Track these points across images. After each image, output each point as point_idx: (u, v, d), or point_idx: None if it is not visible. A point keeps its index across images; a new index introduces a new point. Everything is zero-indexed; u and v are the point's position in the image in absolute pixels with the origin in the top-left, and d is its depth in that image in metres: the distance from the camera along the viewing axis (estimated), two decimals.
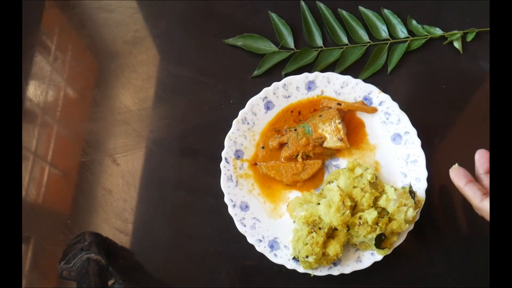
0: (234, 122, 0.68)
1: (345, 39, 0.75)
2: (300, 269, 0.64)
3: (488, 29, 0.75)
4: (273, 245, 0.66)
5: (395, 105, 0.69)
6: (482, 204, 0.53)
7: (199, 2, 0.79)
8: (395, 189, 0.63)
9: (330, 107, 0.69)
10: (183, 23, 0.78)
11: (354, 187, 0.64)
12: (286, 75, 0.73)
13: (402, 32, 0.75)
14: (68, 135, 0.75)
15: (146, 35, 0.78)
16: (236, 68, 0.75)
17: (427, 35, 0.75)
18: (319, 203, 0.63)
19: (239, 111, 0.69)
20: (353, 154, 0.70)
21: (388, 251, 0.64)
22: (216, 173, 0.68)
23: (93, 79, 0.77)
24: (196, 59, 0.76)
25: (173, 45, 0.77)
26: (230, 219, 0.67)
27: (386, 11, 0.76)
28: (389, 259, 0.65)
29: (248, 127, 0.69)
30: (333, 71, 0.72)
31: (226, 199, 0.67)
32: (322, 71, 0.72)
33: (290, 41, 0.75)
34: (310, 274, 0.65)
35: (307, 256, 0.61)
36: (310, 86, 0.70)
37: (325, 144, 0.68)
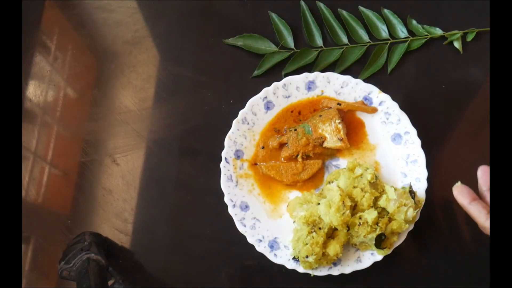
0: (234, 122, 0.68)
1: (345, 39, 0.75)
2: (300, 269, 0.64)
3: (488, 29, 0.75)
4: (273, 245, 0.66)
5: (395, 105, 0.69)
6: (487, 223, 0.53)
7: (199, 2, 0.79)
8: (395, 189, 0.63)
9: (330, 107, 0.69)
10: (183, 23, 0.78)
11: (354, 187, 0.64)
12: (286, 75, 0.73)
13: (402, 32, 0.75)
14: (68, 135, 0.75)
15: (146, 35, 0.78)
16: (236, 68, 0.75)
17: (427, 35, 0.75)
18: (319, 203, 0.63)
19: (239, 111, 0.69)
20: (353, 154, 0.70)
21: (388, 251, 0.64)
22: (216, 173, 0.68)
23: (93, 79, 0.77)
24: (196, 59, 0.76)
25: (173, 45, 0.77)
26: (230, 219, 0.67)
27: (386, 11, 0.76)
28: (389, 259, 0.65)
29: (248, 127, 0.69)
30: (333, 71, 0.72)
31: (226, 199, 0.67)
32: (322, 71, 0.72)
33: (290, 41, 0.75)
34: (310, 274, 0.65)
35: (307, 256, 0.61)
36: (310, 86, 0.70)
37: (325, 144, 0.68)
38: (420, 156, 0.67)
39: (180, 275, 0.70)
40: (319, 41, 0.75)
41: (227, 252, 0.70)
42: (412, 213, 0.62)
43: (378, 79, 0.73)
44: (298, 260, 0.64)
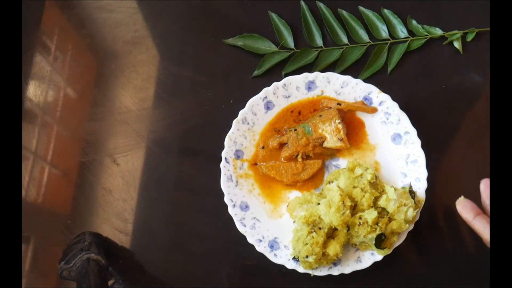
0: (234, 122, 0.68)
1: (345, 39, 0.75)
2: (300, 269, 0.64)
3: (488, 29, 0.75)
4: (273, 245, 0.66)
5: (395, 105, 0.69)
6: None
7: (199, 2, 0.79)
8: (395, 189, 0.63)
9: (330, 107, 0.69)
10: (183, 23, 0.78)
11: (354, 187, 0.64)
12: (286, 75, 0.73)
13: (402, 32, 0.75)
14: (68, 135, 0.75)
15: (146, 35, 0.78)
16: (236, 68, 0.75)
17: (427, 35, 0.75)
18: (319, 203, 0.63)
19: (239, 111, 0.69)
20: (353, 154, 0.70)
21: (388, 251, 0.64)
22: (216, 173, 0.68)
23: (93, 79, 0.77)
24: (196, 59, 0.76)
25: (173, 45, 0.77)
26: (230, 219, 0.67)
27: (386, 11, 0.76)
28: (389, 259, 0.65)
29: (248, 127, 0.69)
30: (333, 71, 0.72)
31: (226, 199, 0.67)
32: (322, 71, 0.72)
33: (290, 41, 0.75)
34: (310, 274, 0.65)
35: (307, 256, 0.61)
36: (310, 86, 0.70)
37: (325, 144, 0.68)
38: (420, 156, 0.67)
39: (180, 275, 0.70)
40: (319, 41, 0.75)
41: (227, 252, 0.70)
42: (412, 213, 0.62)
43: (378, 79, 0.73)
44: (298, 260, 0.64)
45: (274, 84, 0.69)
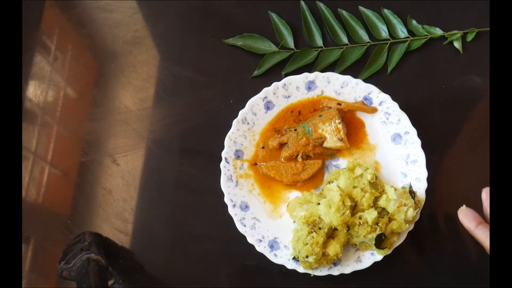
0: (234, 122, 0.68)
1: (345, 39, 0.75)
2: (300, 269, 0.64)
3: (488, 29, 0.75)
4: (273, 245, 0.66)
5: (395, 105, 0.69)
6: None
7: (199, 2, 0.79)
8: (395, 189, 0.63)
9: (330, 107, 0.69)
10: (183, 23, 0.78)
11: (354, 187, 0.64)
12: (286, 75, 0.73)
13: (402, 32, 0.75)
14: (68, 135, 0.75)
15: (146, 35, 0.78)
16: (236, 68, 0.75)
17: (427, 35, 0.75)
18: (319, 203, 0.63)
19: (239, 111, 0.69)
20: (353, 154, 0.70)
21: (388, 251, 0.64)
22: (216, 173, 0.68)
23: (93, 79, 0.77)
24: (196, 59, 0.76)
25: (173, 45, 0.77)
26: (230, 219, 0.67)
27: (386, 11, 0.76)
28: (389, 259, 0.65)
29: (248, 127, 0.69)
30: (333, 71, 0.72)
31: (226, 199, 0.67)
32: (322, 71, 0.72)
33: (290, 41, 0.75)
34: (310, 274, 0.65)
35: (307, 256, 0.61)
36: (310, 86, 0.70)
37: (325, 144, 0.68)
38: (420, 156, 0.67)
39: (180, 275, 0.70)
40: (319, 41, 0.75)
41: (227, 252, 0.70)
42: (412, 213, 0.62)
43: (378, 79, 0.73)
44: (298, 260, 0.64)
45: (274, 84, 0.69)
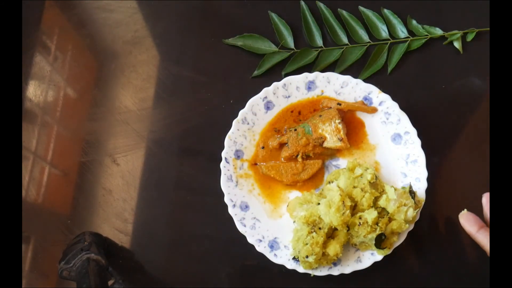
0: (234, 122, 0.68)
1: (345, 39, 0.75)
2: (300, 269, 0.64)
3: (488, 29, 0.75)
4: (273, 245, 0.66)
5: (395, 105, 0.69)
6: None
7: (199, 2, 0.79)
8: (395, 189, 0.63)
9: (330, 107, 0.69)
10: (183, 23, 0.78)
11: (354, 187, 0.64)
12: (286, 75, 0.73)
13: (402, 32, 0.75)
14: (68, 135, 0.75)
15: (146, 35, 0.78)
16: (236, 68, 0.75)
17: (427, 35, 0.75)
18: (319, 203, 0.63)
19: (239, 111, 0.69)
20: (353, 154, 0.70)
21: (388, 251, 0.64)
22: (216, 173, 0.68)
23: (93, 79, 0.77)
24: (196, 59, 0.76)
25: (173, 45, 0.77)
26: (230, 219, 0.67)
27: (386, 11, 0.76)
28: (389, 259, 0.65)
29: (248, 127, 0.69)
30: (333, 71, 0.72)
31: (226, 199, 0.67)
32: (322, 71, 0.72)
33: (290, 41, 0.75)
34: (310, 274, 0.65)
35: (307, 256, 0.61)
36: (310, 86, 0.70)
37: (325, 144, 0.68)
38: (420, 156, 0.67)
39: (180, 275, 0.70)
40: (319, 41, 0.75)
41: (227, 252, 0.70)
42: (412, 213, 0.62)
43: (378, 79, 0.73)
44: (298, 260, 0.64)
45: (274, 84, 0.69)
